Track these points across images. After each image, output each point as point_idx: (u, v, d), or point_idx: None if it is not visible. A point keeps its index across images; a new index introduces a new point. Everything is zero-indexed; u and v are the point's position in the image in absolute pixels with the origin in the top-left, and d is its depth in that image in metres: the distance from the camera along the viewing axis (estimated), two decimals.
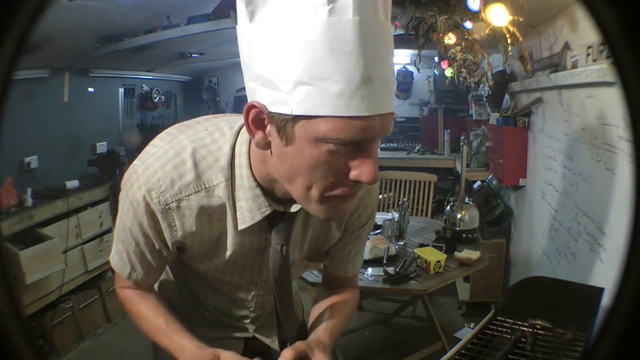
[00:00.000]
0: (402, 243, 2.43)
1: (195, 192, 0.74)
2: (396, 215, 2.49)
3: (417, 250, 2.18)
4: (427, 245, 2.31)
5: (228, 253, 0.81)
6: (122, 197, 0.77)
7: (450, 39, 2.54)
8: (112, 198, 3.23)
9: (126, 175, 0.76)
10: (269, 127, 0.63)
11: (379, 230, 2.56)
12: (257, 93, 0.62)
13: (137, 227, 0.76)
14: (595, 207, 1.57)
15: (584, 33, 1.65)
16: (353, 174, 0.62)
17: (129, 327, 3.06)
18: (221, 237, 0.79)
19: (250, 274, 0.88)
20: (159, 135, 0.78)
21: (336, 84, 0.55)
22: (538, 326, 1.08)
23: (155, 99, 4.46)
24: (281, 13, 0.56)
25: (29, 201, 2.62)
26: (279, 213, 0.77)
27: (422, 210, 3.46)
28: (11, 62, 0.36)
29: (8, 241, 2.36)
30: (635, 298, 0.37)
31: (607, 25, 0.36)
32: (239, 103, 5.29)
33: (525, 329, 1.09)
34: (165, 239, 0.78)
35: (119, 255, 0.83)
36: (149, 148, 0.76)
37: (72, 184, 3.00)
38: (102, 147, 3.69)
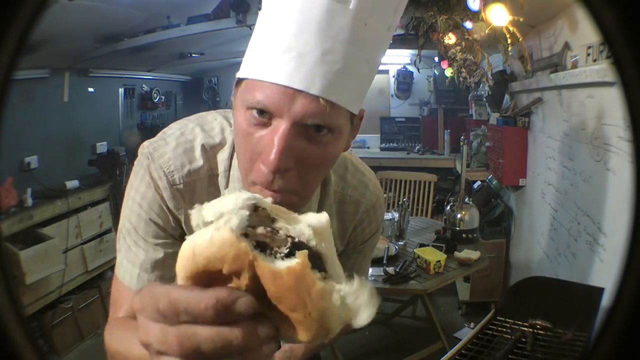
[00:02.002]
0: (402, 243, 2.43)
1: (202, 178, 0.73)
2: (396, 215, 2.49)
3: (417, 250, 2.18)
4: (427, 245, 2.31)
5: None
6: (132, 179, 0.74)
7: (450, 39, 2.54)
8: (112, 198, 3.23)
9: (137, 159, 0.74)
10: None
11: None
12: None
13: (146, 206, 0.72)
14: (595, 207, 1.57)
15: (584, 33, 1.65)
16: (259, 154, 0.55)
17: None
18: None
19: None
20: (173, 124, 0.78)
21: (263, 48, 0.55)
22: (538, 326, 1.08)
23: (155, 99, 4.46)
24: None
25: (29, 201, 2.62)
26: None
27: (422, 210, 3.46)
28: (11, 62, 0.36)
29: (8, 241, 2.36)
30: (635, 298, 0.37)
31: (607, 25, 0.36)
32: None
33: (525, 329, 1.09)
34: (169, 221, 0.73)
35: (126, 258, 0.76)
36: (160, 134, 0.76)
37: (72, 184, 3.00)
38: (102, 147, 3.69)
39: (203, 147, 0.72)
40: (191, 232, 0.42)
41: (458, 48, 2.81)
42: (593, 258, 1.52)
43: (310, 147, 0.56)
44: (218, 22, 2.93)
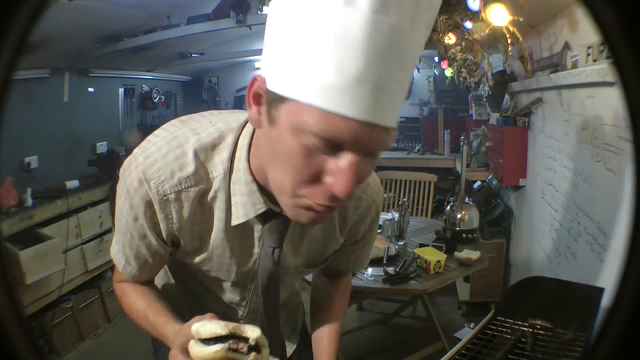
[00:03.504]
0: (402, 243, 2.43)
1: (194, 185, 0.71)
2: (396, 215, 2.49)
3: (417, 250, 2.18)
4: (427, 245, 2.30)
5: (219, 250, 0.78)
6: (120, 186, 0.73)
7: (450, 39, 2.54)
8: (112, 198, 3.23)
9: (125, 163, 0.73)
10: (263, 105, 0.58)
11: (379, 230, 2.56)
12: (264, 68, 0.58)
13: (132, 218, 0.73)
14: (595, 207, 1.57)
15: (584, 33, 1.65)
16: (328, 180, 0.56)
17: (129, 327, 3.06)
18: (213, 233, 0.76)
19: (245, 278, 0.84)
20: (163, 126, 0.76)
21: (328, 74, 0.50)
22: (538, 326, 1.08)
23: (155, 99, 4.46)
24: None
25: (29, 201, 2.62)
26: (274, 213, 0.73)
27: (422, 210, 3.46)
28: (11, 62, 0.36)
29: (8, 241, 2.36)
30: (635, 298, 0.37)
31: (607, 25, 0.36)
32: (239, 103, 5.29)
33: (525, 329, 1.09)
34: (160, 232, 0.74)
35: (117, 245, 0.80)
36: (151, 137, 0.74)
37: (72, 184, 3.00)
38: (102, 147, 3.69)
39: (195, 151, 0.70)
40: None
41: (458, 48, 2.81)
42: (593, 258, 1.52)
43: (367, 166, 0.58)
44: (218, 22, 2.93)
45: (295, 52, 0.52)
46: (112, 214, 3.17)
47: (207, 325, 0.64)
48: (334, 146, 0.53)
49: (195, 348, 0.64)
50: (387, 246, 2.21)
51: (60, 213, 2.76)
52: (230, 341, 0.63)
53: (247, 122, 0.72)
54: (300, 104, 0.52)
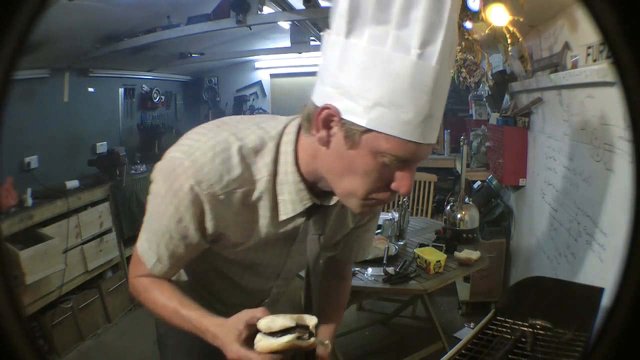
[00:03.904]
0: (402, 243, 2.43)
1: (240, 186, 0.79)
2: (396, 215, 2.49)
3: (417, 250, 2.18)
4: (427, 245, 2.31)
5: (262, 242, 0.87)
6: (162, 188, 0.79)
7: None
8: (112, 198, 3.23)
9: (165, 167, 0.79)
10: (335, 129, 0.71)
11: (379, 230, 2.56)
12: (333, 99, 0.70)
13: (176, 221, 0.80)
14: (595, 207, 1.57)
15: (584, 33, 1.65)
16: (394, 185, 0.74)
17: (128, 327, 3.06)
18: (259, 227, 0.85)
19: (276, 264, 0.95)
20: (198, 130, 0.82)
21: (408, 113, 0.66)
22: (538, 326, 1.08)
23: (155, 99, 4.46)
24: (376, 39, 0.66)
25: (29, 201, 2.62)
26: (314, 206, 0.84)
27: (422, 210, 3.46)
28: (11, 62, 0.36)
29: (8, 241, 2.36)
30: (635, 298, 0.37)
31: (607, 25, 0.36)
32: (239, 103, 5.29)
33: (525, 329, 1.09)
34: (204, 230, 0.82)
35: (149, 244, 0.86)
36: (190, 142, 0.79)
37: (72, 184, 3.00)
38: (102, 147, 3.69)
39: (241, 154, 0.78)
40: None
41: (458, 48, 2.81)
42: (593, 258, 1.52)
43: None
44: (218, 22, 2.92)
45: (376, 93, 0.66)
46: (112, 214, 3.20)
47: (277, 320, 0.74)
48: (403, 163, 0.71)
49: (266, 341, 0.74)
50: (387, 246, 2.21)
51: (60, 213, 2.76)
52: (297, 330, 0.74)
53: (284, 130, 0.82)
54: (381, 133, 0.68)
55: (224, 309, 0.99)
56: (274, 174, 0.80)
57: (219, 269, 0.96)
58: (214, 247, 0.89)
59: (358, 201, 0.76)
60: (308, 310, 0.96)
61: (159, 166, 0.80)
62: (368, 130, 0.68)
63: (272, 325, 0.74)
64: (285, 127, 0.82)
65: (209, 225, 0.81)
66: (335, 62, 0.69)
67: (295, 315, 0.76)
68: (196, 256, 0.90)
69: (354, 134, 0.69)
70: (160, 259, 0.86)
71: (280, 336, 0.73)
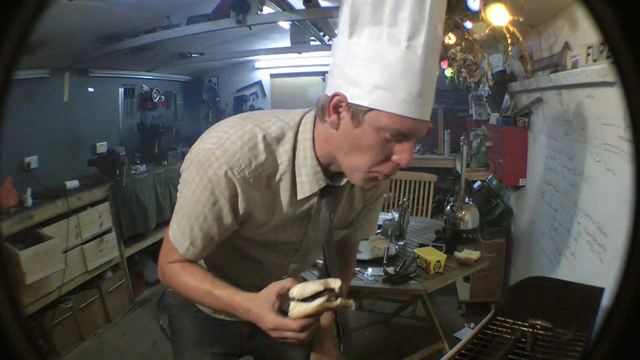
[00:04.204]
0: (402, 243, 2.43)
1: (266, 170, 0.91)
2: (396, 215, 2.49)
3: (417, 250, 2.18)
4: (427, 245, 2.31)
5: (282, 221, 0.98)
6: (197, 176, 0.89)
7: (450, 39, 2.54)
8: (112, 198, 3.23)
9: (199, 156, 0.89)
10: (343, 113, 0.84)
11: (378, 230, 2.56)
12: (342, 88, 0.83)
13: (211, 203, 0.90)
14: (595, 207, 1.57)
15: (584, 33, 1.65)
16: (395, 157, 0.86)
17: (128, 327, 3.07)
18: (281, 207, 0.96)
19: (295, 242, 1.05)
20: (225, 123, 0.94)
21: (402, 93, 0.80)
22: (538, 326, 1.08)
23: (155, 99, 4.46)
24: (373, 37, 0.80)
25: (29, 201, 2.62)
26: (327, 186, 0.96)
27: (422, 210, 3.46)
28: (11, 62, 0.36)
29: (8, 241, 2.36)
30: (635, 298, 0.37)
31: (607, 25, 0.36)
32: (239, 103, 5.29)
33: (525, 329, 1.09)
34: (237, 211, 0.92)
35: (181, 230, 0.95)
36: (219, 134, 0.90)
37: (72, 184, 3.00)
38: (102, 147, 3.69)
39: (265, 142, 0.90)
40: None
41: (458, 48, 2.81)
42: (593, 258, 1.52)
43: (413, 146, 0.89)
44: (218, 22, 2.92)
45: (375, 79, 0.80)
46: (112, 213, 3.20)
47: (308, 286, 0.83)
48: (402, 136, 0.83)
49: (300, 307, 0.82)
50: (387, 246, 2.21)
51: (60, 213, 2.76)
52: (326, 293, 0.82)
53: (301, 121, 0.94)
54: (381, 112, 0.81)
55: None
56: (293, 158, 0.92)
57: (241, 250, 1.05)
58: (241, 230, 0.98)
59: (362, 174, 0.87)
60: (328, 276, 1.05)
61: (191, 157, 0.91)
62: (370, 110, 0.81)
63: (304, 292, 0.82)
64: (302, 118, 0.94)
65: (241, 206, 0.91)
66: (342, 58, 0.84)
67: (322, 280, 0.83)
68: (224, 240, 0.99)
69: (358, 114, 0.82)
70: (193, 241, 0.94)
71: (311, 301, 0.82)
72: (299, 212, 0.98)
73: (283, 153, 0.92)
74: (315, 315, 0.83)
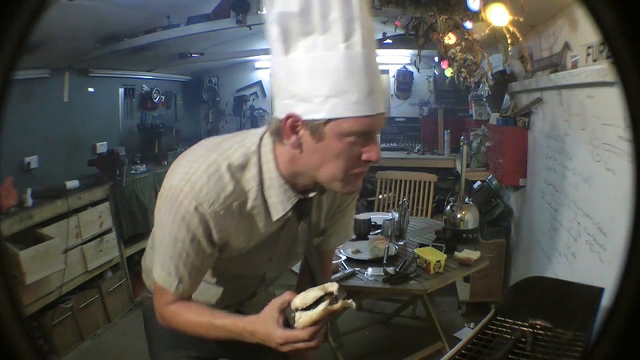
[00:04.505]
0: (402, 243, 2.43)
1: (236, 199, 0.91)
2: (396, 215, 2.48)
3: (417, 250, 2.18)
4: (427, 245, 2.30)
5: (261, 239, 0.99)
6: (170, 215, 0.90)
7: (450, 39, 2.54)
8: (112, 198, 3.23)
9: (169, 195, 0.90)
10: (302, 131, 0.83)
11: (379, 230, 2.56)
12: (292, 107, 0.82)
13: (189, 238, 0.91)
14: (595, 207, 1.57)
15: (584, 33, 1.65)
16: (365, 156, 0.85)
17: (128, 327, 3.07)
18: (257, 230, 0.97)
19: (270, 255, 1.06)
20: (190, 157, 0.93)
21: (353, 95, 0.79)
22: (538, 326, 1.08)
23: (155, 99, 4.45)
24: (309, 48, 0.80)
25: (29, 201, 2.62)
26: (300, 201, 0.96)
27: (422, 210, 3.46)
28: (11, 62, 0.36)
29: (8, 241, 2.36)
30: (635, 298, 0.37)
31: (607, 25, 0.36)
32: (239, 102, 5.29)
33: (525, 329, 1.09)
34: (214, 241, 0.93)
35: (167, 271, 0.95)
36: (184, 169, 0.91)
37: (72, 184, 3.00)
38: (102, 147, 3.69)
39: (230, 171, 0.90)
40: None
41: (458, 48, 2.81)
42: (593, 258, 1.52)
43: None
44: (218, 22, 2.93)
45: (324, 89, 0.79)
46: (112, 214, 3.20)
47: (309, 294, 0.83)
48: (365, 135, 0.83)
49: (306, 315, 0.82)
50: (387, 246, 2.21)
51: (60, 213, 2.76)
52: (327, 298, 0.83)
53: (261, 142, 0.93)
54: (339, 119, 0.80)
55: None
56: (261, 182, 0.92)
57: (217, 268, 1.05)
58: (222, 254, 0.99)
59: (340, 182, 0.88)
60: (313, 284, 1.06)
61: (163, 196, 0.92)
62: (328, 121, 0.81)
63: (306, 301, 0.83)
64: (261, 140, 0.94)
65: (216, 237, 0.92)
66: (284, 77, 0.83)
67: (321, 286, 0.84)
68: (210, 267, 1.01)
69: (317, 128, 0.82)
70: (181, 279, 0.95)
71: (314, 308, 0.82)
72: (275, 229, 1.00)
73: (250, 179, 0.92)
74: (321, 321, 0.83)
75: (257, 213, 0.95)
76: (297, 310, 0.84)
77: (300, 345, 0.84)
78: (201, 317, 0.95)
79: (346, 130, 0.81)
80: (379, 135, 0.89)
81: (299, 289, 1.09)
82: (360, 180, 0.92)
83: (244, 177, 0.92)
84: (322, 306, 0.82)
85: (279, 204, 0.94)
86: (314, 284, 1.04)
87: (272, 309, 0.86)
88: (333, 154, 0.83)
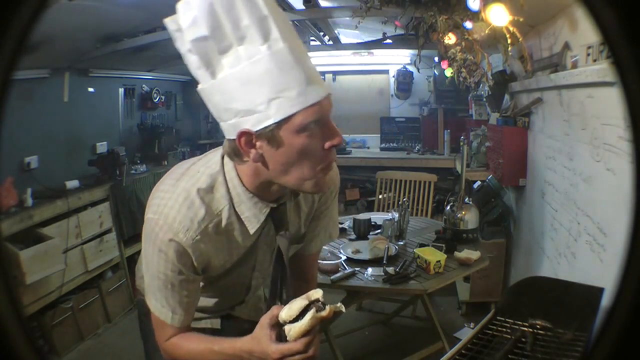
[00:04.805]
0: (402, 243, 2.43)
1: (210, 221, 0.92)
2: (396, 215, 2.49)
3: (417, 250, 2.18)
4: (427, 245, 2.31)
5: (240, 253, 1.00)
6: (150, 248, 0.92)
7: (450, 39, 2.54)
8: (112, 198, 3.23)
9: (147, 231, 0.92)
10: (258, 143, 0.83)
11: (379, 230, 2.56)
12: (240, 124, 0.82)
13: (170, 269, 0.92)
14: (595, 207, 1.57)
15: (584, 33, 1.65)
16: (327, 143, 0.84)
17: (129, 327, 3.06)
18: (236, 246, 0.99)
19: (252, 264, 1.07)
20: (161, 188, 0.95)
21: (294, 89, 0.79)
22: (538, 326, 1.08)
23: (155, 99, 4.45)
24: (233, 62, 0.79)
25: (29, 201, 2.62)
26: (273, 209, 0.97)
27: (422, 210, 3.46)
28: (11, 62, 0.36)
29: (8, 241, 2.36)
30: (635, 298, 0.37)
31: (607, 25, 0.36)
32: None
33: (525, 329, 1.09)
34: (195, 267, 0.94)
35: (160, 303, 0.97)
36: (157, 201, 0.92)
37: (72, 184, 3.00)
38: (102, 147, 3.69)
39: (200, 195, 0.91)
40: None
41: (458, 48, 2.81)
42: (593, 258, 1.52)
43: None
44: None
45: (263, 95, 0.78)
46: (112, 214, 3.20)
47: (293, 306, 0.83)
48: (320, 122, 0.82)
49: (295, 326, 0.82)
50: (387, 246, 2.21)
51: (60, 213, 2.76)
52: (313, 306, 0.82)
53: (223, 161, 0.94)
54: (289, 117, 0.80)
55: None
56: (231, 200, 0.93)
57: (206, 283, 1.06)
58: (206, 274, 1.01)
59: (311, 181, 0.87)
60: (281, 294, 1.10)
61: (143, 230, 0.94)
62: (279, 124, 0.80)
63: (291, 312, 0.82)
64: (223, 158, 0.94)
65: (196, 262, 0.94)
66: (221, 100, 0.82)
67: (304, 295, 0.84)
68: (199, 295, 1.02)
69: (273, 135, 0.81)
70: (174, 309, 0.96)
71: (302, 318, 0.82)
72: (254, 240, 1.00)
73: (220, 198, 0.93)
74: (312, 330, 0.83)
75: (233, 229, 0.96)
76: (284, 323, 0.84)
77: (297, 357, 0.84)
78: (201, 345, 0.97)
79: (300, 124, 0.80)
80: (331, 119, 0.88)
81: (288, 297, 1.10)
82: (330, 174, 0.92)
83: (215, 198, 0.92)
84: (309, 315, 0.81)
85: (253, 218, 0.95)
86: (281, 295, 1.08)
87: (262, 325, 0.87)
88: (296, 155, 0.83)
